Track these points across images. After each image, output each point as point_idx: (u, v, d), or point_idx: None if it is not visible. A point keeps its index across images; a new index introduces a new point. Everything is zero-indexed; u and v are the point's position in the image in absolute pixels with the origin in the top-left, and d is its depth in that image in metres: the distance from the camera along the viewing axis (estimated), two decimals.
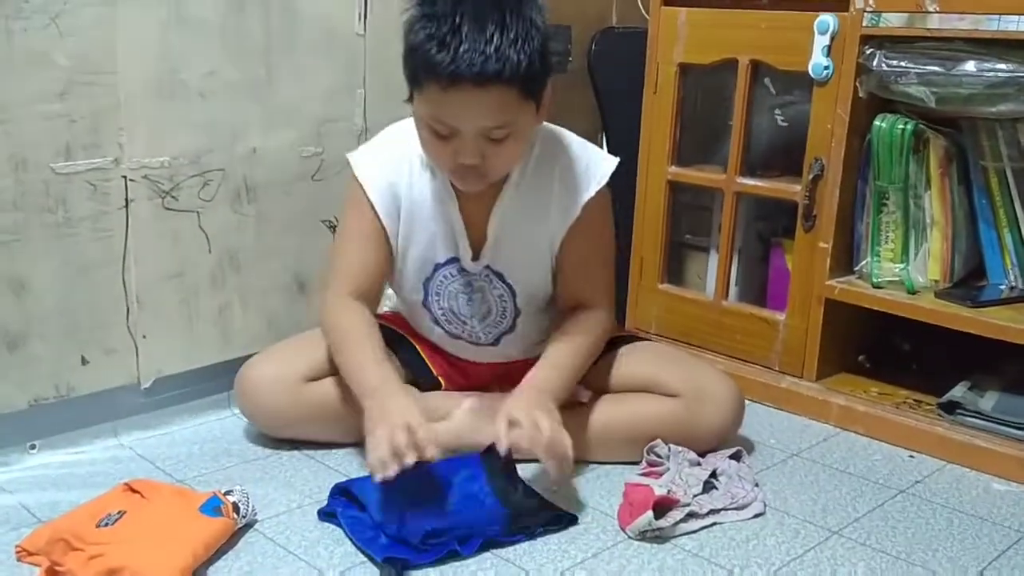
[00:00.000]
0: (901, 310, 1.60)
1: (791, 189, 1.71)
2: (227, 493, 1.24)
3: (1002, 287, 1.61)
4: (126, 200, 1.47)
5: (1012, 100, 1.48)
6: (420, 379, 1.54)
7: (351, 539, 1.22)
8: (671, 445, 1.42)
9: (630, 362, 1.51)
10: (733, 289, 1.86)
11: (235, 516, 1.21)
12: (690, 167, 1.88)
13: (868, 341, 1.78)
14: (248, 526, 1.25)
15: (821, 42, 1.61)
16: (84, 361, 1.47)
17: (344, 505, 1.27)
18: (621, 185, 1.65)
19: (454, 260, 1.46)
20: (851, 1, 1.57)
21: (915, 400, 1.65)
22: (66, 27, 1.36)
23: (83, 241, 1.43)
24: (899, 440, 1.58)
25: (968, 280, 1.65)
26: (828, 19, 1.60)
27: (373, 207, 1.43)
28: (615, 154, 1.48)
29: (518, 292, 1.47)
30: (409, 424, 1.20)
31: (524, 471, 1.37)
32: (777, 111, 1.84)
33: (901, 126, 1.58)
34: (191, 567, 1.12)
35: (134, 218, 1.48)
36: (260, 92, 1.59)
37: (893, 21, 1.54)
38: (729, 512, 1.32)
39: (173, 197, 1.52)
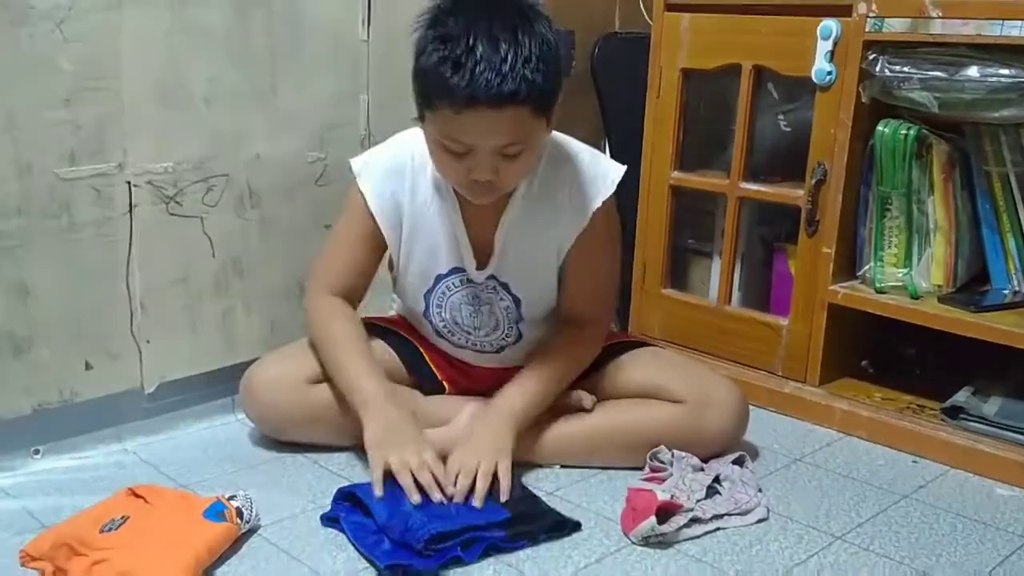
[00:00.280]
0: (904, 315, 1.60)
1: (794, 194, 1.71)
2: (231, 498, 1.24)
3: (1005, 292, 1.60)
4: (130, 205, 1.47)
5: (1015, 105, 1.48)
6: (424, 382, 1.54)
7: (354, 545, 1.22)
8: (674, 451, 1.42)
9: (634, 368, 1.51)
10: (736, 294, 1.86)
11: (238, 521, 1.21)
12: (693, 172, 1.88)
13: (871, 346, 1.78)
14: (251, 531, 1.25)
15: (824, 47, 1.61)
16: (88, 366, 1.47)
17: (347, 510, 1.27)
18: (624, 190, 1.65)
19: (457, 270, 1.46)
20: (854, 6, 1.58)
21: (918, 405, 1.65)
22: (71, 33, 1.36)
23: (87, 246, 1.44)
24: (902, 445, 1.58)
25: (971, 285, 1.65)
26: (831, 24, 1.60)
27: (373, 217, 1.44)
28: (617, 159, 1.48)
29: (523, 301, 1.47)
30: (428, 464, 1.28)
31: (526, 476, 1.38)
32: (780, 116, 1.84)
33: (904, 131, 1.58)
34: (195, 572, 1.12)
35: (138, 223, 1.48)
36: (264, 98, 1.60)
37: (896, 26, 1.54)
38: (732, 517, 1.32)
39: (177, 202, 1.53)
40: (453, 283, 1.47)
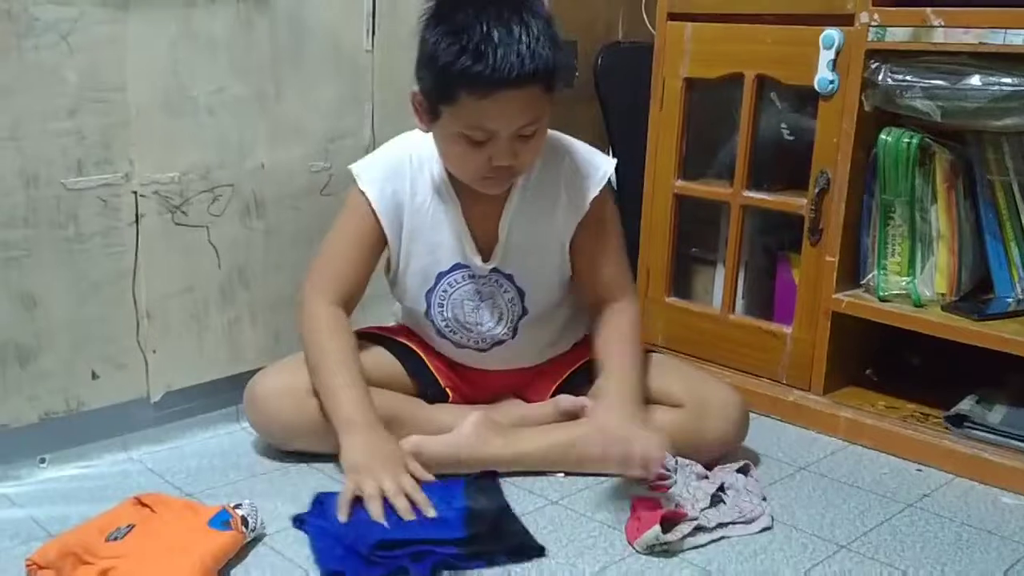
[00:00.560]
0: (908, 323, 1.60)
1: (797, 202, 1.71)
2: (236, 507, 1.24)
3: (1009, 300, 1.60)
4: (136, 215, 1.48)
5: (1018, 114, 1.48)
6: (428, 390, 1.54)
7: (311, 547, 1.22)
8: (678, 459, 1.42)
9: None
10: (740, 302, 1.86)
11: (244, 530, 1.22)
12: (696, 181, 1.88)
13: (875, 354, 1.78)
14: (257, 540, 1.25)
15: (826, 56, 1.61)
16: (94, 375, 1.48)
17: (317, 515, 1.28)
18: (628, 198, 1.66)
19: (460, 266, 1.47)
20: (856, 16, 1.58)
21: (922, 413, 1.65)
22: (76, 44, 1.37)
23: (94, 256, 1.44)
24: (907, 453, 1.58)
25: (975, 293, 1.65)
26: (833, 34, 1.60)
27: (376, 217, 1.46)
28: (621, 167, 1.51)
29: (527, 292, 1.49)
30: (406, 489, 1.26)
31: (530, 485, 1.38)
32: (783, 125, 1.84)
33: (907, 140, 1.59)
34: None
35: (144, 233, 1.49)
36: (269, 108, 1.61)
37: (898, 35, 1.55)
38: (737, 526, 1.32)
39: (183, 212, 1.53)
40: (455, 280, 1.48)
